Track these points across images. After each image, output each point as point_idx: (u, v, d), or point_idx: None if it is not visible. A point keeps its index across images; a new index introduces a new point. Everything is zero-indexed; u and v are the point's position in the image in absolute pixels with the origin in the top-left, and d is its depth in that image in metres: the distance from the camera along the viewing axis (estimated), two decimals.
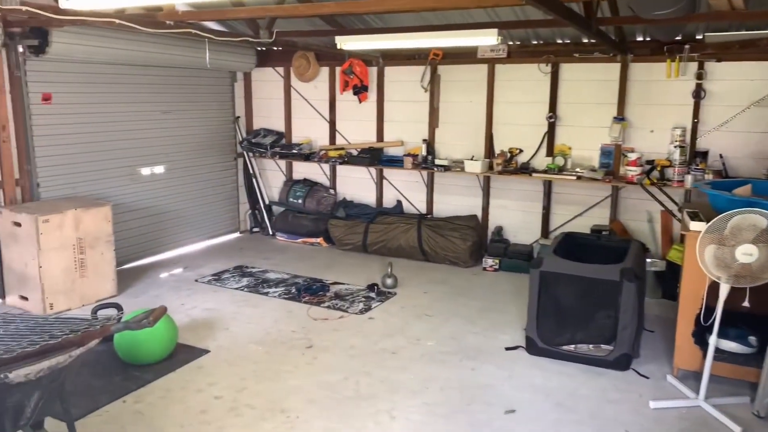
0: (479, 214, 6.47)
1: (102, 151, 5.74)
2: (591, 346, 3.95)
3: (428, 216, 6.66)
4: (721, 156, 5.30)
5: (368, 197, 7.08)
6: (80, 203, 5.05)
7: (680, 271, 3.94)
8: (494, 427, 3.24)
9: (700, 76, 5.29)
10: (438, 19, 5.30)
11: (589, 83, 5.77)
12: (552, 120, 5.94)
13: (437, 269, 6.05)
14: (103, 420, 3.27)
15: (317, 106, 7.17)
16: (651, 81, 5.51)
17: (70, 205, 4.94)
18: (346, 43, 5.31)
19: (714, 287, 3.31)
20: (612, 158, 5.70)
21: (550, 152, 5.99)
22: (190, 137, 6.71)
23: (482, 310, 4.94)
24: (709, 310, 3.36)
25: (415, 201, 6.83)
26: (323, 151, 6.99)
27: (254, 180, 7.44)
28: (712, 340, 3.34)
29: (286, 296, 5.22)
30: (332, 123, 7.11)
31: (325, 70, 7.00)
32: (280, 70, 7.26)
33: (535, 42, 5.91)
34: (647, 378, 3.78)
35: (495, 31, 4.52)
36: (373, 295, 5.25)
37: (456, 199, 6.59)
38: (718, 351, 3.46)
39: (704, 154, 5.31)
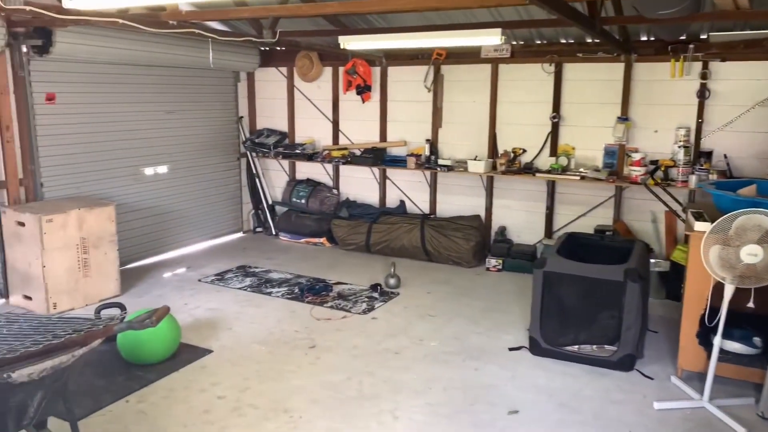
0: (482, 214, 6.46)
1: (105, 151, 5.74)
2: (594, 346, 3.94)
3: (431, 216, 6.65)
4: (725, 156, 5.28)
5: (371, 197, 7.08)
6: (84, 203, 5.06)
7: (684, 272, 3.92)
8: (497, 428, 3.23)
9: (704, 75, 5.27)
10: (441, 19, 5.29)
11: (593, 83, 5.75)
12: (555, 120, 5.92)
13: (440, 269, 6.04)
14: (106, 420, 3.28)
15: (320, 106, 7.17)
16: (655, 81, 5.49)
17: (74, 204, 4.95)
18: (350, 42, 5.31)
19: (718, 288, 3.30)
20: (616, 158, 5.68)
21: (553, 152, 5.97)
22: (193, 137, 6.72)
23: (485, 311, 4.93)
24: (714, 310, 3.35)
25: (418, 201, 6.82)
26: (326, 151, 6.98)
27: (257, 180, 7.45)
28: (717, 340, 3.33)
29: (289, 296, 5.22)
30: (335, 123, 7.11)
31: (328, 70, 7.00)
32: (284, 70, 7.26)
33: (539, 42, 5.90)
34: (651, 379, 3.77)
35: (499, 30, 4.50)
36: (376, 295, 5.25)
37: (459, 199, 6.58)
38: (722, 352, 3.45)
39: (708, 154, 5.28)
